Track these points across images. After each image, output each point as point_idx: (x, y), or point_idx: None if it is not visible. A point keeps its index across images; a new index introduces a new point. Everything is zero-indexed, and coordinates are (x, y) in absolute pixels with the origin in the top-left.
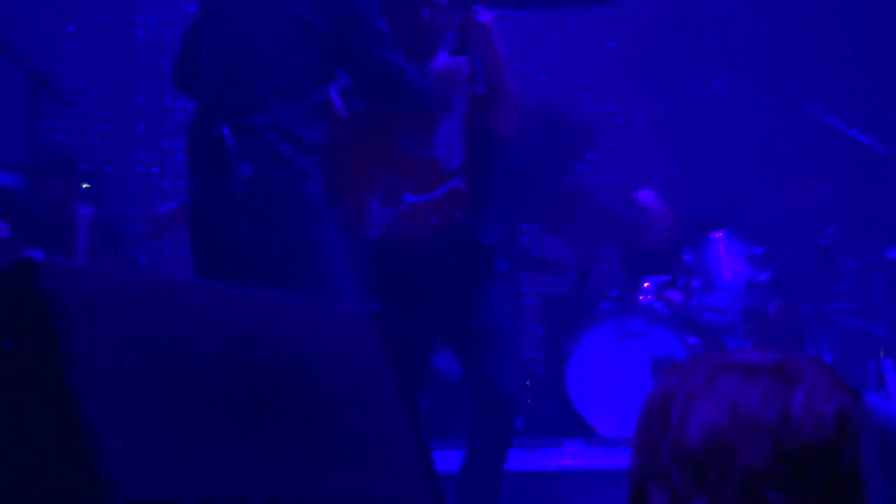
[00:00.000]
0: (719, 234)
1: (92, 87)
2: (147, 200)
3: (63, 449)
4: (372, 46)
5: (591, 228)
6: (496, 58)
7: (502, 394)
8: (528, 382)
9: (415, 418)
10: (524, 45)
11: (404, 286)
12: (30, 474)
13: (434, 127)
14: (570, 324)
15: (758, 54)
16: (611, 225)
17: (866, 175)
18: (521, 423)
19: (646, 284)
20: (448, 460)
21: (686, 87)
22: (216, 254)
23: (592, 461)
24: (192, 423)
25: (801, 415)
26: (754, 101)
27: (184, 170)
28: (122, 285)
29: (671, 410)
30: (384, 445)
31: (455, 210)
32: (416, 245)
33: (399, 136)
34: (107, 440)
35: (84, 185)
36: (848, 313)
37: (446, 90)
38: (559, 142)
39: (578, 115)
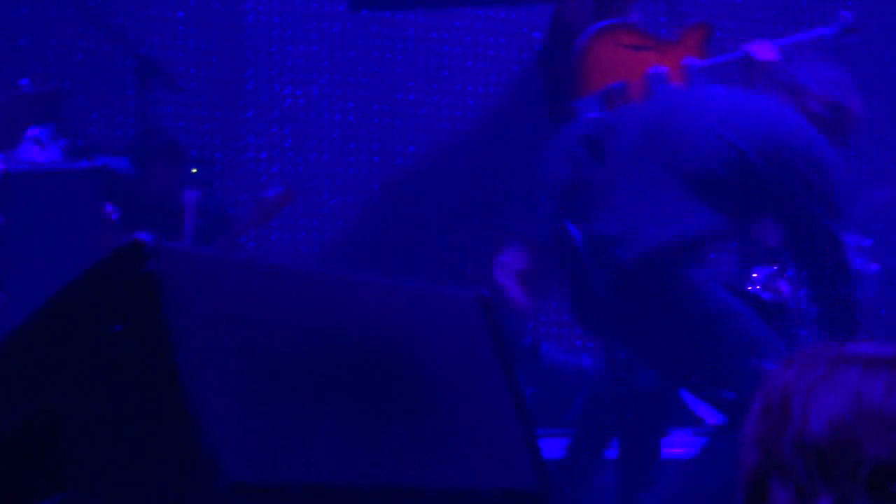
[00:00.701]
0: None
1: (201, 72)
2: (255, 186)
3: (170, 432)
4: (811, 204)
5: None
6: None
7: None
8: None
9: (523, 408)
10: None
11: None
12: (137, 457)
13: None
14: None
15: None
16: None
17: None
18: None
19: (754, 275)
20: (554, 448)
21: None
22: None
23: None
24: (297, 408)
25: None
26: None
27: (292, 156)
28: (229, 269)
29: (792, 403)
30: (490, 434)
31: None
32: None
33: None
34: (213, 424)
35: (192, 170)
36: None
37: None
38: None
39: None
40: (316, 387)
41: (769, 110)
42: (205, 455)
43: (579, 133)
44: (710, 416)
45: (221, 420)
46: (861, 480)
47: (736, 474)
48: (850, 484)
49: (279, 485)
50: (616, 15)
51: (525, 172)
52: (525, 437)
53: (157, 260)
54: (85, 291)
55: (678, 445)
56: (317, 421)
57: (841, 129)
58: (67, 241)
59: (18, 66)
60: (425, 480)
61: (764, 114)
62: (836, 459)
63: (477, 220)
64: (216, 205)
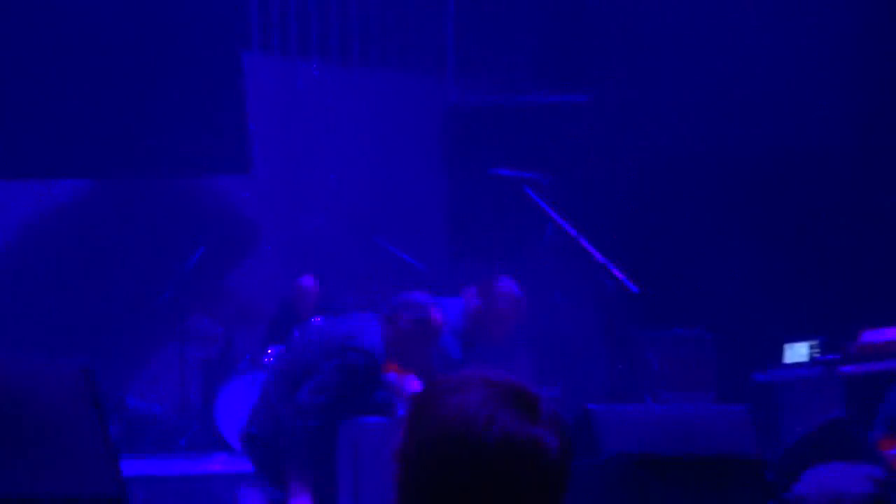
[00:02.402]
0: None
1: None
2: None
3: None
4: None
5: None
6: None
7: None
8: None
9: (110, 443)
10: None
11: None
12: None
13: None
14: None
15: None
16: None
17: None
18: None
19: (269, 351)
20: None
21: None
22: None
23: (235, 466)
24: None
25: None
26: None
27: None
28: None
29: None
30: (86, 462)
31: None
32: None
33: None
34: None
35: None
36: None
37: None
38: None
39: None
40: None
41: None
42: None
43: None
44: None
45: None
46: None
47: None
48: None
49: None
50: None
51: None
52: (112, 461)
53: None
54: None
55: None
56: None
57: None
58: None
59: None
60: (32, 490)
61: None
62: None
63: None
64: None
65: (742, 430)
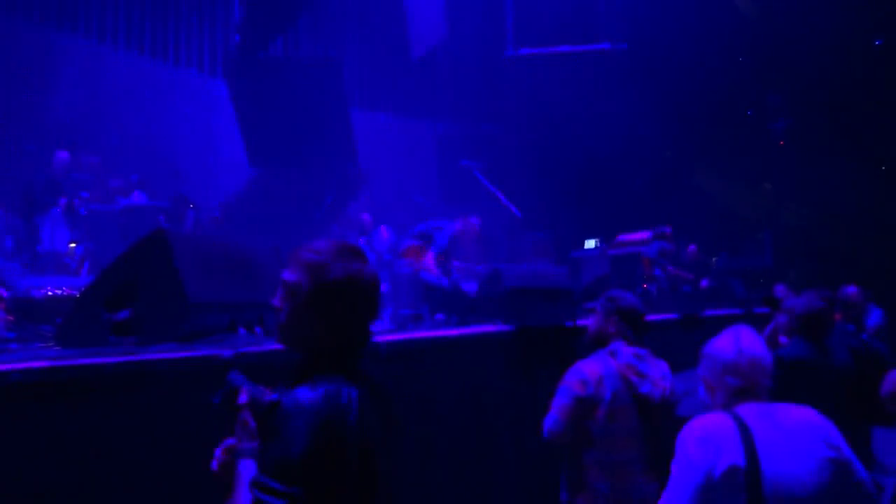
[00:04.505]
0: None
1: None
2: None
3: (171, 283)
4: None
5: None
6: None
7: None
8: None
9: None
10: None
11: None
12: (160, 293)
13: None
14: None
15: None
16: None
17: None
18: None
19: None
20: None
21: None
22: None
23: None
24: (215, 273)
25: None
26: None
27: None
28: (201, 237)
29: None
30: (268, 282)
31: None
32: None
33: None
34: (185, 279)
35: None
36: None
37: None
38: None
39: None
40: (221, 267)
41: None
42: (182, 291)
43: None
44: None
45: (188, 278)
46: None
47: None
48: None
49: (206, 301)
50: None
51: None
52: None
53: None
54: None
55: None
56: (222, 277)
57: None
58: None
59: None
60: (245, 297)
61: None
62: None
63: None
64: None
65: (565, 278)
